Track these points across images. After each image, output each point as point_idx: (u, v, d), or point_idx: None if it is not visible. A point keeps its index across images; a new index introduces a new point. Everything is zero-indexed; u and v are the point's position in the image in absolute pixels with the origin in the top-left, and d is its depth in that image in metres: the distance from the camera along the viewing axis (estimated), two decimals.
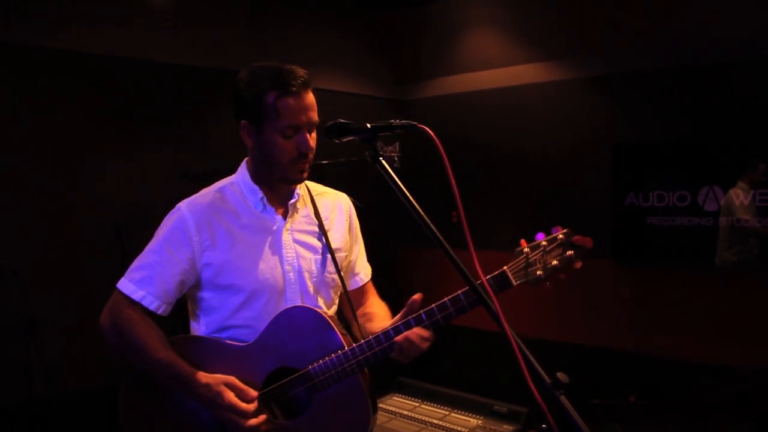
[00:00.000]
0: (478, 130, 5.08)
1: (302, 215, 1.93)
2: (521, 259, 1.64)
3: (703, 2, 4.01)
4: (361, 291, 2.11)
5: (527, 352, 1.29)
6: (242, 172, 1.93)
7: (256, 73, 1.80)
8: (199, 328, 1.92)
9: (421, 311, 1.68)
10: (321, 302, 1.91)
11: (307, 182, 2.01)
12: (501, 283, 1.62)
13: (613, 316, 4.44)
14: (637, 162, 4.26)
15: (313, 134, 1.83)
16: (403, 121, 1.55)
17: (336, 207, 2.03)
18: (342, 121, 1.70)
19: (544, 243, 1.65)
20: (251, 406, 1.70)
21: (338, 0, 5.11)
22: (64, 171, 3.55)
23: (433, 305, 1.67)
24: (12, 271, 3.01)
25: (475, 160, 5.01)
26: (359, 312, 2.03)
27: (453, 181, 1.43)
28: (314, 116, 1.80)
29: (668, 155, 4.19)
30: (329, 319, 1.75)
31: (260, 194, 1.87)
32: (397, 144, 5.41)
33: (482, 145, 5.03)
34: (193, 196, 1.91)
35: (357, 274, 2.09)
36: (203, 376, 1.73)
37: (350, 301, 1.98)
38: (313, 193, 2.00)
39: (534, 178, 4.85)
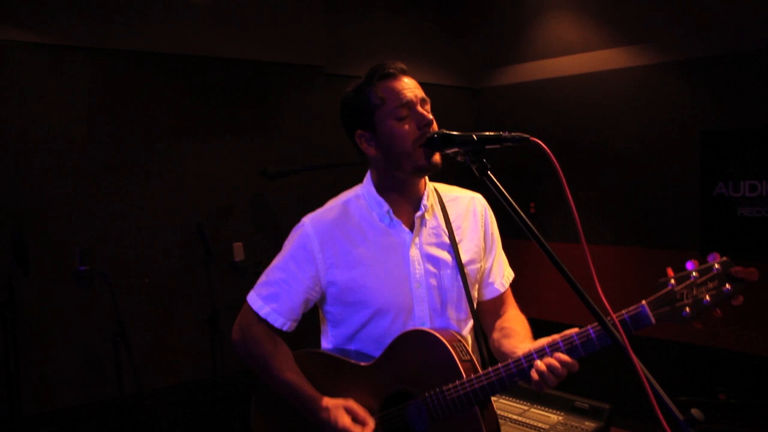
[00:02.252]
0: (556, 119, 4.92)
1: (431, 226, 1.82)
2: (665, 293, 1.43)
3: None
4: (500, 300, 1.95)
5: (659, 389, 1.21)
6: (367, 183, 1.84)
7: (355, 83, 1.78)
8: (328, 338, 1.92)
9: (559, 340, 1.54)
10: (452, 319, 1.80)
11: (437, 186, 1.91)
12: (637, 320, 1.45)
13: None
14: (727, 150, 4.06)
15: (430, 116, 1.73)
16: (513, 134, 1.47)
17: (469, 213, 1.89)
18: (446, 131, 1.64)
19: (695, 274, 1.42)
20: (367, 430, 1.68)
21: None
22: (146, 173, 3.61)
23: (574, 335, 1.53)
24: (101, 275, 3.09)
25: (553, 150, 4.84)
26: (498, 324, 1.90)
27: (569, 196, 1.37)
28: (421, 93, 1.73)
29: (761, 142, 3.97)
30: (449, 346, 1.64)
31: (386, 207, 1.78)
32: None
33: (560, 134, 4.87)
34: (318, 211, 1.85)
35: (492, 283, 1.93)
36: (323, 400, 1.72)
37: (475, 315, 1.85)
38: (445, 200, 1.88)
39: (616, 168, 4.68)
